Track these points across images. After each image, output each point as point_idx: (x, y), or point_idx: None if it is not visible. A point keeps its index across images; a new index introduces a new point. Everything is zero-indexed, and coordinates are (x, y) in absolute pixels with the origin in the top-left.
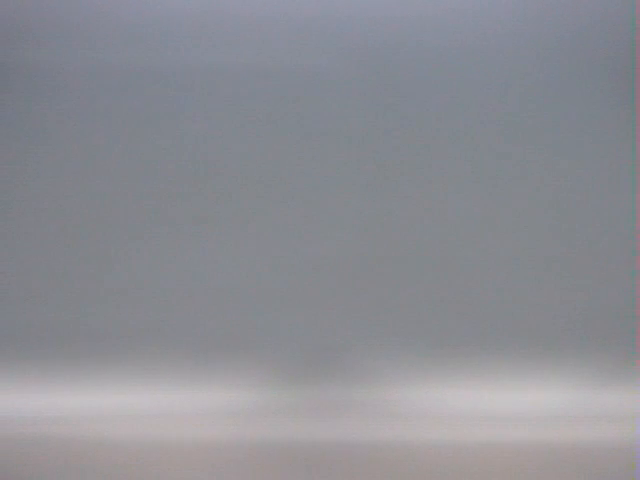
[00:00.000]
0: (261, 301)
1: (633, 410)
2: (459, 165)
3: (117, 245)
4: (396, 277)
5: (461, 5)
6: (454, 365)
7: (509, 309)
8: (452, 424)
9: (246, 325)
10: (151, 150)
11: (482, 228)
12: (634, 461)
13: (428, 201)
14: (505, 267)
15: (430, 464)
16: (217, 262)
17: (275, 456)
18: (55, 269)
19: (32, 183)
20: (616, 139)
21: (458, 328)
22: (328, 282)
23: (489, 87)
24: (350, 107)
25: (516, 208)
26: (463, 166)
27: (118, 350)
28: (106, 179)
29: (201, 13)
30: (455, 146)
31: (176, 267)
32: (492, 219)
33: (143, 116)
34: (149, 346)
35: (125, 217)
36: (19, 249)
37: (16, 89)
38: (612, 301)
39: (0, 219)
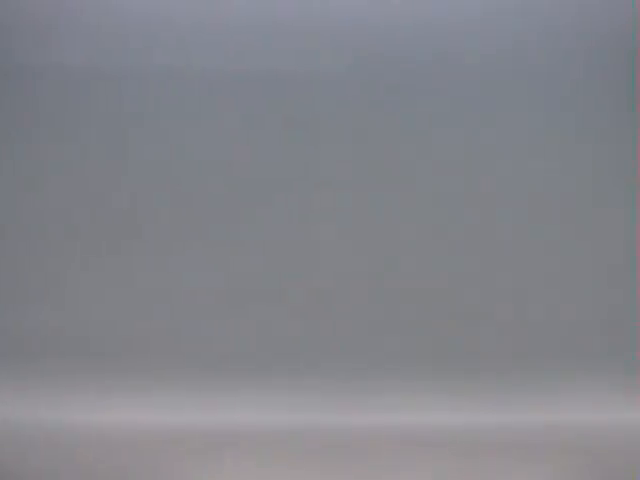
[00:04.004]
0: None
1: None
2: (463, 171)
3: (118, 247)
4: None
5: (465, 9)
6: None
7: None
8: None
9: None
10: (150, 153)
11: (483, 234)
12: None
13: (429, 206)
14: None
15: None
16: (219, 265)
17: None
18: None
19: (31, 183)
20: (617, 140)
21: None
22: (328, 286)
23: (492, 90)
24: (353, 111)
25: (517, 212)
26: (467, 171)
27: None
28: (105, 181)
29: (201, 15)
30: (460, 151)
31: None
32: (492, 222)
33: (143, 118)
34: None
35: (124, 219)
36: (17, 250)
37: (16, 89)
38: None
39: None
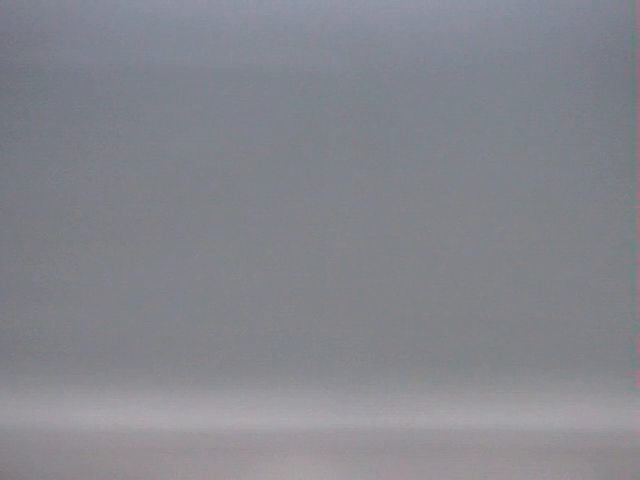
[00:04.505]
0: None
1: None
2: (462, 171)
3: (116, 247)
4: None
5: (463, 7)
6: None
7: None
8: None
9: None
10: (150, 152)
11: (483, 235)
12: None
13: (429, 208)
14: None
15: None
16: (220, 265)
17: None
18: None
19: (31, 184)
20: (617, 140)
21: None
22: (328, 288)
23: (491, 88)
24: (352, 110)
25: (517, 213)
26: (466, 172)
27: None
28: (104, 181)
29: (201, 14)
30: (458, 151)
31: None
32: (493, 226)
33: (143, 118)
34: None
35: (123, 219)
36: (18, 251)
37: (17, 89)
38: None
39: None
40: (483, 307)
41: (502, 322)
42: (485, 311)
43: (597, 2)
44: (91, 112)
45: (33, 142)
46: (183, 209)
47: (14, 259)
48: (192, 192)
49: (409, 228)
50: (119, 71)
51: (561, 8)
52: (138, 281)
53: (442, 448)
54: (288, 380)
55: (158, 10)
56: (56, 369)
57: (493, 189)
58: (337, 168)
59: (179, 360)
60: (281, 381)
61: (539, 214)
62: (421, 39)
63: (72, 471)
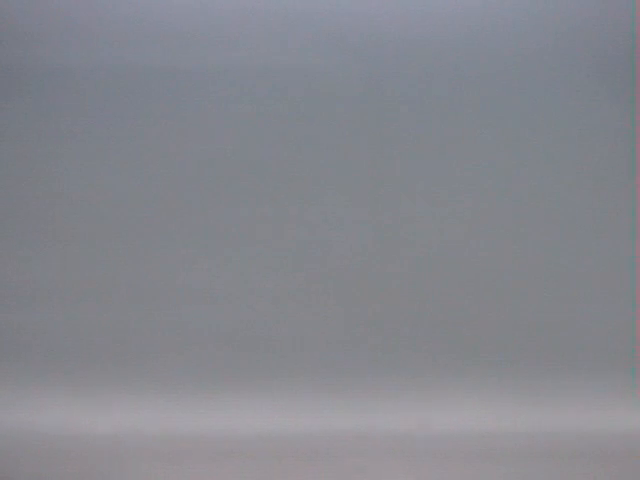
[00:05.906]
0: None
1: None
2: (460, 169)
3: (118, 247)
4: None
5: (463, 3)
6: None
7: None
8: None
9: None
10: (152, 151)
11: (482, 233)
12: None
13: (428, 205)
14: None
15: None
16: (220, 265)
17: None
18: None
19: (34, 184)
20: (616, 140)
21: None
22: (327, 290)
23: (490, 87)
24: (350, 107)
25: (517, 214)
26: (464, 170)
27: None
28: (107, 180)
29: (201, 12)
30: (456, 148)
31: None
32: (491, 225)
33: (144, 117)
34: None
35: (125, 218)
36: (20, 252)
37: (18, 90)
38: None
39: (2, 220)
40: (483, 308)
41: (502, 323)
42: (485, 312)
43: (597, 2)
44: (91, 112)
45: (32, 142)
46: (182, 210)
47: (14, 259)
48: (191, 193)
49: (409, 227)
50: (119, 71)
51: (561, 8)
52: (137, 281)
53: (441, 451)
54: (287, 381)
55: (157, 10)
56: (54, 370)
57: (493, 188)
58: (337, 168)
59: (179, 361)
60: (281, 382)
61: (540, 215)
62: (421, 40)
63: (72, 473)
